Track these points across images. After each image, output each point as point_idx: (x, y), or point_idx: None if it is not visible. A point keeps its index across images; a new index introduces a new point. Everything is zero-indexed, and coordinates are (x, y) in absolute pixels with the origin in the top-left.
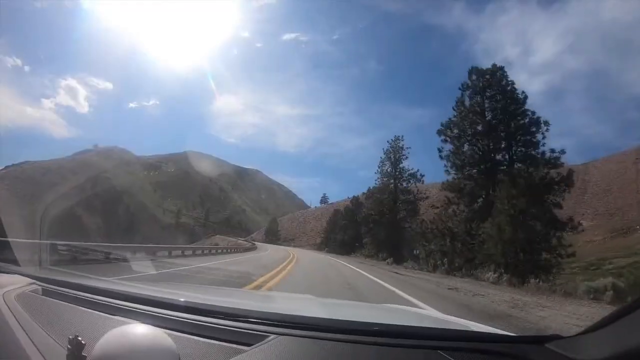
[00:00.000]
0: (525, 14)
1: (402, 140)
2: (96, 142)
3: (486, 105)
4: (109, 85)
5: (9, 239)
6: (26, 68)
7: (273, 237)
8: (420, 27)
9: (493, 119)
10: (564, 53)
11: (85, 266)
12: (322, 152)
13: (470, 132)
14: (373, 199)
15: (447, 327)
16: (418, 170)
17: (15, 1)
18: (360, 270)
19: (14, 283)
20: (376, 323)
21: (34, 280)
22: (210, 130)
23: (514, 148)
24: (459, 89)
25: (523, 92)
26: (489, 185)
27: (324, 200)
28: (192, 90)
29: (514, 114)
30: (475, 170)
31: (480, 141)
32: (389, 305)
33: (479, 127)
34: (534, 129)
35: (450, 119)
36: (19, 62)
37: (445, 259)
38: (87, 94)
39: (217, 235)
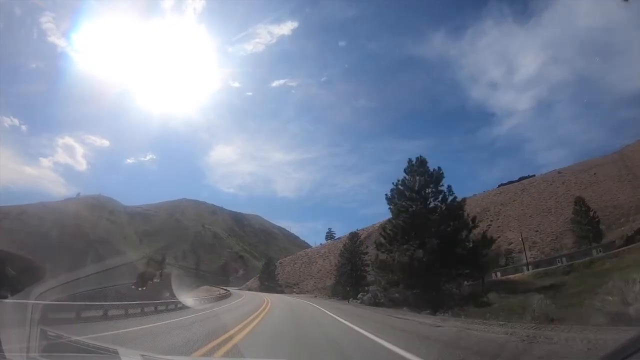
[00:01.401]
0: (504, 34)
1: None
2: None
3: None
4: (105, 143)
5: None
6: (23, 127)
7: (270, 283)
8: (404, 61)
9: None
10: (546, 65)
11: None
12: (322, 193)
13: None
14: None
15: None
16: None
17: (11, 62)
18: None
19: None
20: None
21: None
22: (209, 181)
23: None
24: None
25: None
26: None
27: (329, 235)
28: (188, 144)
29: None
30: None
31: None
32: None
33: None
34: None
35: None
36: (16, 121)
37: None
38: (84, 151)
39: (204, 286)
